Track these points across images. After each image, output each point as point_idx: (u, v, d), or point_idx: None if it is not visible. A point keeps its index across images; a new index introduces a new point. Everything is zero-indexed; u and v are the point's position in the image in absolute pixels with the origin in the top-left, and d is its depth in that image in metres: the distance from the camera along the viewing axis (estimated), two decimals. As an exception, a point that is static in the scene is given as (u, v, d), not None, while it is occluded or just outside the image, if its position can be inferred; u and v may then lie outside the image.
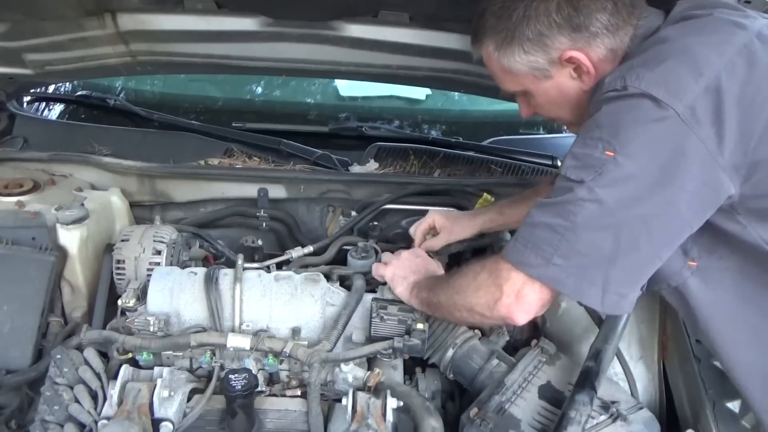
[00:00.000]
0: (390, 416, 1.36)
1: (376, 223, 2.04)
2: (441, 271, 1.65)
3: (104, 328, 1.56)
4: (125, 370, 1.42)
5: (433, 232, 1.84)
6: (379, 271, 1.63)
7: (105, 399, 1.41)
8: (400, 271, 1.59)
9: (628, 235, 1.13)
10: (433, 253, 1.78)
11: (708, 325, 1.29)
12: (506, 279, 1.24)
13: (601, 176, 1.11)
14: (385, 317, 1.54)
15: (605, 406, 1.48)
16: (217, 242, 1.89)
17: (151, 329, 1.49)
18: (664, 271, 1.24)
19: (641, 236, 1.14)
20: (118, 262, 1.69)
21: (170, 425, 1.32)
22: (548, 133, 2.87)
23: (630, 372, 1.66)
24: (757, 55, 1.12)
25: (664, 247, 1.17)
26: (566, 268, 1.16)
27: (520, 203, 1.76)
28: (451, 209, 1.95)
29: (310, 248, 1.88)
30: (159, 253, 1.70)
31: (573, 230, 1.14)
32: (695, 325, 1.31)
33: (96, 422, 1.37)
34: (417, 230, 1.84)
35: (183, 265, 1.73)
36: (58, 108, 2.74)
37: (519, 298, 1.23)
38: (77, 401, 1.42)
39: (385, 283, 1.62)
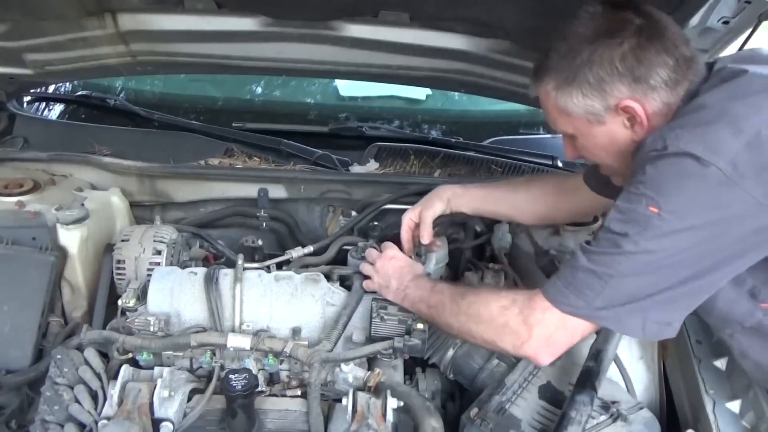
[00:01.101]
0: (390, 416, 1.36)
1: (376, 223, 2.04)
2: (419, 267, 1.63)
3: (104, 328, 1.57)
4: (125, 370, 1.42)
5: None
6: (368, 286, 1.62)
7: (105, 399, 1.41)
8: (382, 281, 1.58)
9: (671, 277, 1.16)
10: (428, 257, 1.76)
11: None
12: (539, 321, 1.25)
13: (646, 230, 1.13)
14: (386, 317, 1.54)
15: (605, 406, 1.48)
16: (217, 242, 1.89)
17: (152, 329, 1.49)
18: (734, 315, 1.27)
19: (686, 277, 1.16)
20: (119, 262, 1.69)
21: (170, 425, 1.32)
22: (548, 133, 2.87)
23: (628, 376, 1.66)
24: None
25: (711, 286, 1.19)
26: (608, 309, 1.19)
27: (509, 191, 1.78)
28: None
29: (310, 248, 1.87)
30: (159, 253, 1.70)
31: (618, 278, 1.17)
32: None
33: (96, 422, 1.37)
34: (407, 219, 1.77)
35: (183, 265, 1.73)
36: (58, 108, 2.73)
37: (548, 342, 1.26)
38: (77, 401, 1.42)
39: None
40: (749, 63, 1.23)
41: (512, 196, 1.76)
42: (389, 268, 1.58)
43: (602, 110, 1.27)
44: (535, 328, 1.25)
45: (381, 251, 1.65)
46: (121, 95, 2.80)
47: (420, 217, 1.74)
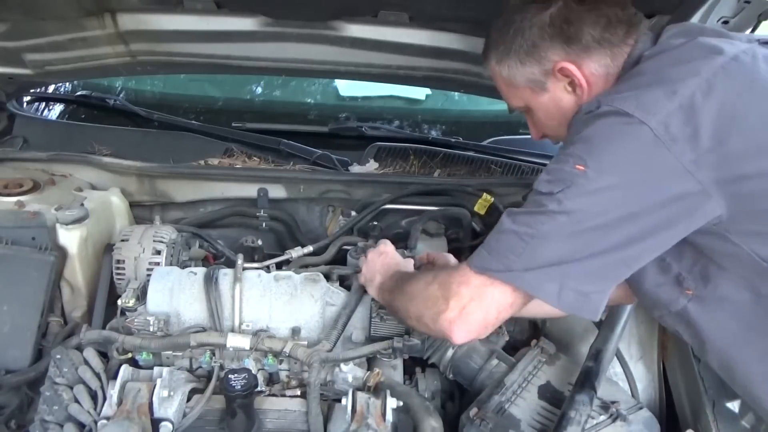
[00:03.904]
0: (390, 416, 1.36)
1: (376, 223, 2.04)
2: (410, 265, 1.59)
3: (104, 328, 1.57)
4: (125, 370, 1.42)
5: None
6: (359, 278, 1.60)
7: (105, 399, 1.41)
8: (368, 274, 1.56)
9: (592, 242, 1.12)
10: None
11: (715, 344, 1.26)
12: (455, 294, 1.21)
13: (570, 189, 1.11)
14: (385, 317, 1.54)
15: (605, 406, 1.48)
16: (217, 242, 1.89)
17: (151, 329, 1.49)
18: (662, 299, 1.26)
19: (609, 246, 1.12)
20: (118, 262, 1.69)
21: (170, 425, 1.32)
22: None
23: (630, 372, 1.66)
24: (733, 75, 1.12)
25: (635, 260, 1.16)
26: (526, 271, 1.15)
27: None
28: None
29: (310, 248, 1.88)
30: (159, 253, 1.71)
31: (539, 239, 1.13)
32: (702, 347, 1.28)
33: (96, 422, 1.37)
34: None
35: (183, 265, 1.73)
36: (58, 108, 2.73)
37: (462, 313, 1.20)
38: (77, 401, 1.42)
39: None
40: (697, 34, 1.22)
41: None
42: (377, 263, 1.55)
43: (541, 76, 1.29)
44: (451, 300, 1.20)
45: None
46: (121, 95, 2.80)
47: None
